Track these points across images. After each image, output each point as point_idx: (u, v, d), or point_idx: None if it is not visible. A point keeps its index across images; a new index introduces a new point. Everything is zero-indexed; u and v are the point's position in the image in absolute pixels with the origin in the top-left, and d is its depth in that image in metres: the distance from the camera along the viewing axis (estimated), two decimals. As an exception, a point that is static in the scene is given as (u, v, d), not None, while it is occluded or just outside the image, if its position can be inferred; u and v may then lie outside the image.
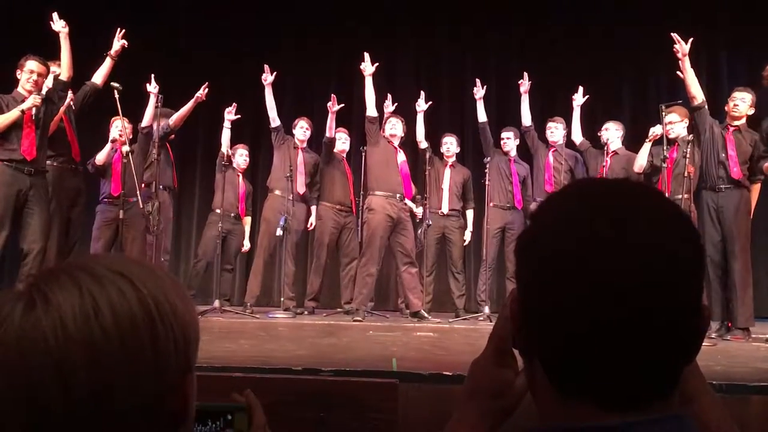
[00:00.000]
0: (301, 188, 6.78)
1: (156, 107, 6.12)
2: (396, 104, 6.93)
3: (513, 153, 7.04)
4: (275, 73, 6.76)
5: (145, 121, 6.26)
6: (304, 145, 6.98)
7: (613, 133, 6.38)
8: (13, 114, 5.04)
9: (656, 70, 8.21)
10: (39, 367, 0.66)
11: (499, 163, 6.90)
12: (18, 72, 5.22)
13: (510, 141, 7.02)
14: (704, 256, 0.71)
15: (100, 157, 6.16)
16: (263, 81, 6.71)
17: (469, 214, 7.11)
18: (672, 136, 5.56)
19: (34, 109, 5.05)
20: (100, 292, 0.68)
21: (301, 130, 6.94)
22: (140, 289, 0.70)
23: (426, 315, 6.22)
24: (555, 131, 6.77)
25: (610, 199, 0.71)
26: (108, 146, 6.16)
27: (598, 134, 6.53)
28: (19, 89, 5.22)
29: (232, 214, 6.93)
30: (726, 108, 5.42)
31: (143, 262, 0.76)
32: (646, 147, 5.79)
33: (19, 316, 0.67)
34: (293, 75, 8.55)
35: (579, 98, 6.71)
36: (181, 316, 0.73)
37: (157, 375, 0.70)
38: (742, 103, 5.30)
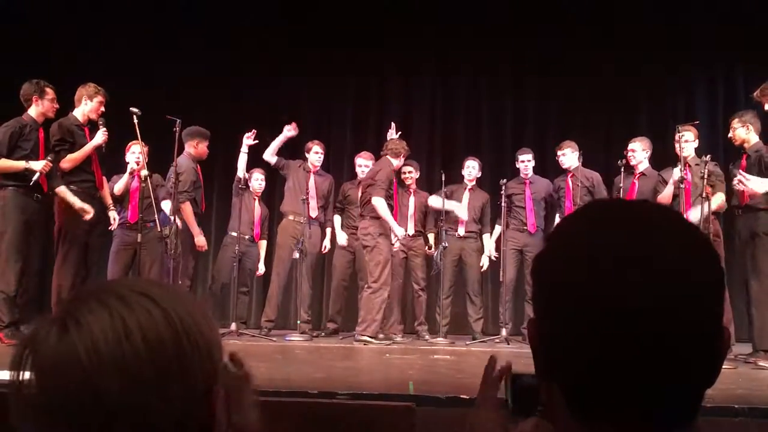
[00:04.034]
0: (313, 212, 6.81)
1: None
2: (400, 133, 6.88)
3: (530, 174, 7.00)
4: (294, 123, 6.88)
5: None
6: (318, 168, 7.01)
7: (640, 154, 6.22)
8: (88, 148, 5.33)
9: (674, 94, 8.20)
10: (75, 388, 0.69)
11: (513, 186, 6.89)
12: (85, 99, 5.45)
13: (530, 163, 6.96)
14: (723, 279, 0.69)
15: (119, 187, 6.16)
16: (287, 131, 6.83)
17: (486, 238, 7.07)
18: (684, 154, 5.52)
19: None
20: (129, 314, 0.72)
21: (316, 155, 6.99)
22: (165, 308, 0.74)
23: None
24: (564, 158, 6.70)
25: (626, 221, 0.70)
26: (126, 176, 6.13)
27: (625, 153, 6.30)
28: (77, 115, 5.44)
29: (247, 237, 6.95)
30: None
31: (165, 284, 0.80)
32: (670, 188, 5.71)
33: (54, 340, 0.71)
34: (312, 100, 8.62)
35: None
36: (204, 332, 0.76)
37: (186, 389, 0.73)
38: (732, 131, 5.37)
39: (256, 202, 7.15)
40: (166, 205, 6.02)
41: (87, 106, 5.50)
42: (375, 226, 6.17)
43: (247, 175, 6.89)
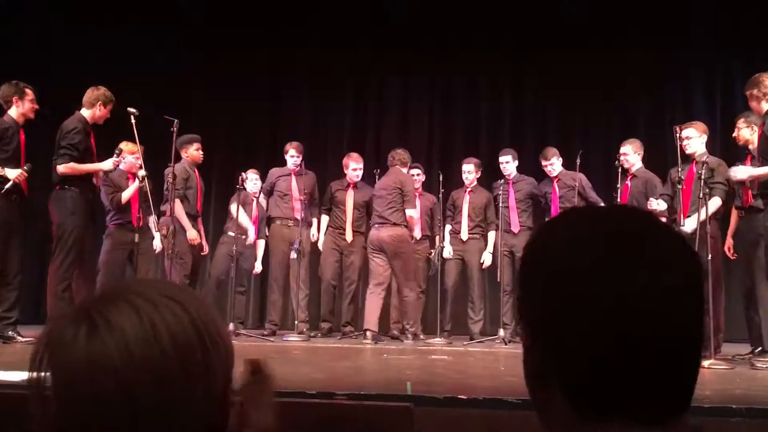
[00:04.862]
0: (297, 214, 6.82)
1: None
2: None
3: (513, 174, 6.99)
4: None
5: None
6: (297, 169, 6.96)
7: (632, 157, 6.24)
8: (92, 168, 5.34)
9: (672, 95, 8.20)
10: (107, 387, 0.70)
11: (499, 187, 6.90)
12: (99, 105, 5.41)
13: (509, 165, 6.96)
14: (705, 277, 0.73)
15: (127, 196, 6.15)
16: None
17: (491, 235, 7.05)
18: (689, 151, 5.51)
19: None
20: (157, 315, 0.73)
21: (292, 158, 6.98)
22: (190, 311, 0.75)
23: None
24: (551, 167, 6.76)
25: (615, 224, 0.73)
26: (135, 185, 6.12)
27: (618, 157, 6.35)
28: (86, 116, 5.38)
29: (243, 237, 6.94)
30: None
31: (185, 287, 0.82)
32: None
33: (85, 339, 0.71)
34: (310, 100, 8.62)
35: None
36: (222, 335, 0.78)
37: (208, 390, 0.75)
38: (737, 130, 5.38)
39: (254, 203, 7.14)
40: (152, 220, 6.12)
41: (99, 111, 5.46)
42: (407, 232, 6.45)
43: (244, 176, 6.90)
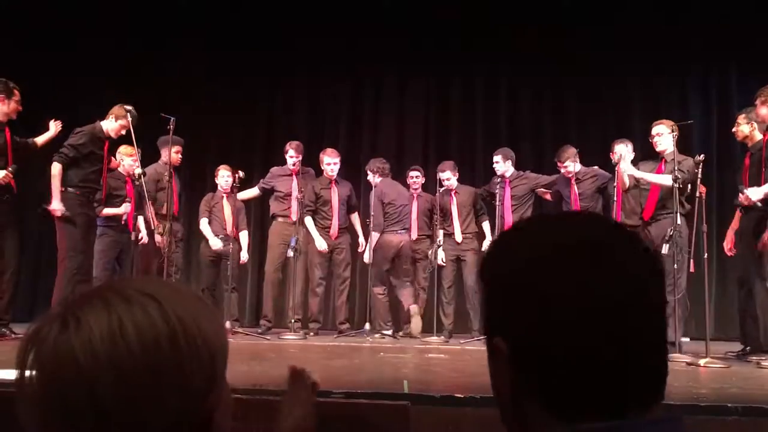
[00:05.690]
0: (293, 214, 6.82)
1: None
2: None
3: (508, 174, 6.94)
4: None
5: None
6: (297, 168, 6.92)
7: (629, 156, 6.25)
8: (56, 199, 5.29)
9: (668, 94, 8.20)
10: (71, 384, 0.69)
11: (495, 186, 6.88)
12: (112, 117, 5.56)
13: (499, 165, 6.92)
14: (663, 270, 0.77)
15: (108, 213, 6.17)
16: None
17: (485, 226, 7.05)
18: (659, 148, 5.52)
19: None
20: (126, 312, 0.72)
21: (291, 159, 6.96)
22: (165, 307, 0.74)
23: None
24: (565, 169, 6.63)
25: (586, 232, 0.75)
26: (122, 209, 6.25)
27: (612, 156, 6.37)
28: (102, 124, 5.57)
29: (221, 236, 6.91)
30: None
31: (171, 284, 0.81)
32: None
33: (54, 336, 0.71)
34: (307, 100, 8.61)
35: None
36: (205, 331, 0.76)
37: (182, 388, 0.73)
38: (736, 126, 5.38)
39: (224, 200, 7.08)
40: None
41: (111, 124, 5.59)
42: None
43: (240, 174, 6.87)
